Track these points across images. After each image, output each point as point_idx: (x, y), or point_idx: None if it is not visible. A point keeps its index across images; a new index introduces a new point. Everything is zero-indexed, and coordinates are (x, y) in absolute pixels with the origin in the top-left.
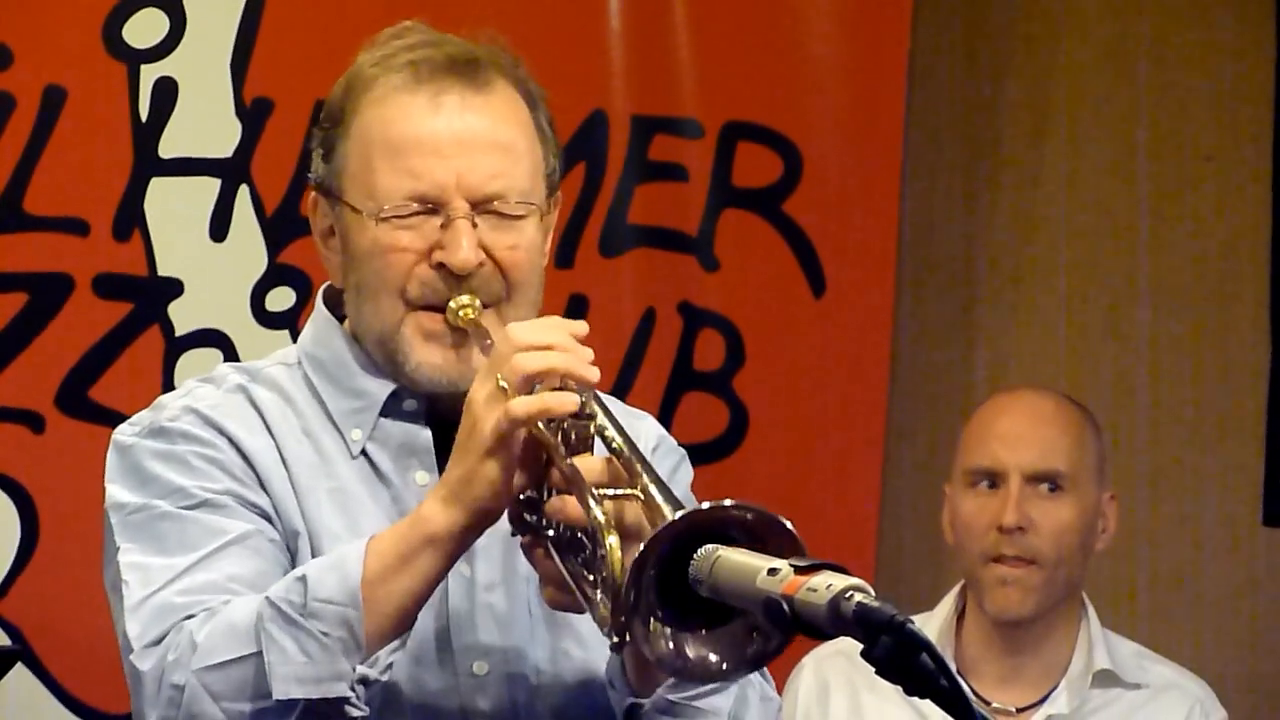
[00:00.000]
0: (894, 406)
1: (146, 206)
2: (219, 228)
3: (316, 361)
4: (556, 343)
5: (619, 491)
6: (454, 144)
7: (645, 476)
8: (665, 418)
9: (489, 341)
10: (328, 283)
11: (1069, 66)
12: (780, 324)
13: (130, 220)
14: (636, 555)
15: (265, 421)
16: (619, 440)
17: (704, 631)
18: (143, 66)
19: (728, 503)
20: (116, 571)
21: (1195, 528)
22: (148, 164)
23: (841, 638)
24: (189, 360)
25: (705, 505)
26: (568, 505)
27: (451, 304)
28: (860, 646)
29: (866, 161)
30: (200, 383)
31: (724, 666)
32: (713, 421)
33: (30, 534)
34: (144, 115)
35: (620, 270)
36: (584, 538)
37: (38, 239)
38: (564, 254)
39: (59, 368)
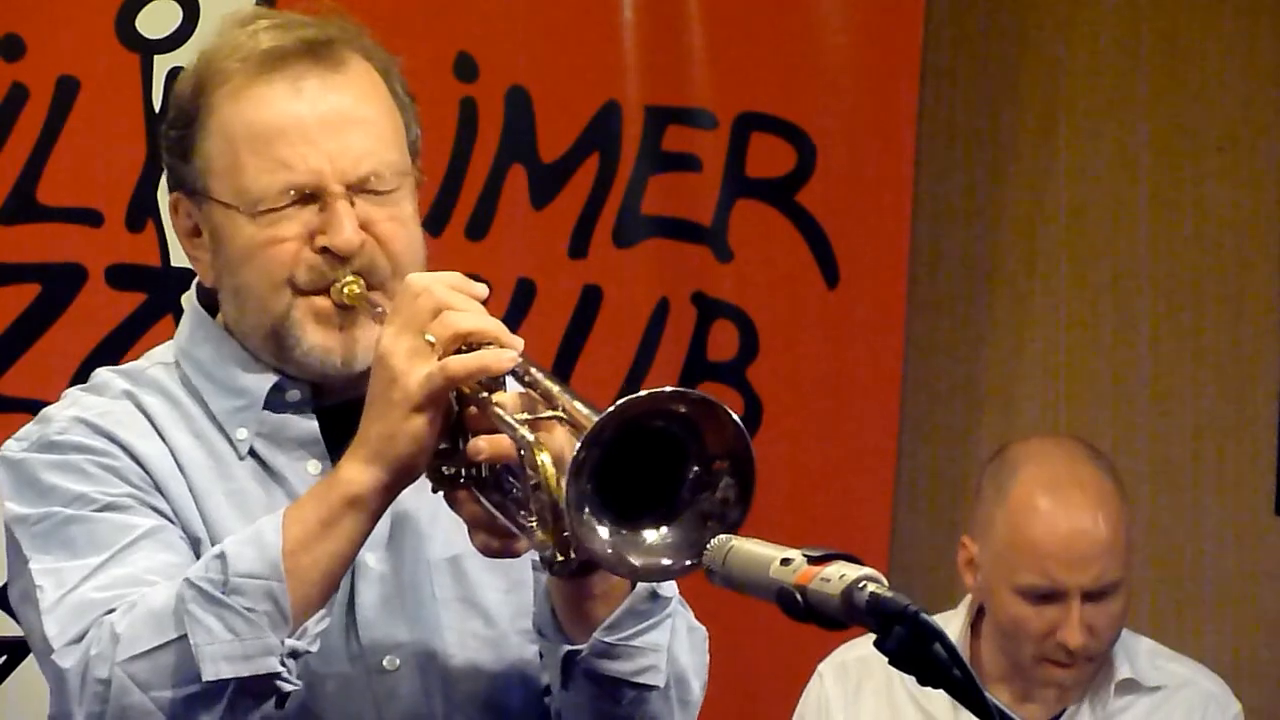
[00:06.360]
0: (907, 396)
1: (160, 197)
2: None
3: (194, 361)
4: (471, 306)
5: (541, 415)
6: (321, 128)
7: (564, 396)
8: None
9: (380, 310)
10: (197, 279)
11: (1081, 58)
12: (794, 314)
13: (143, 211)
14: (572, 461)
15: (155, 427)
16: (532, 372)
17: (655, 528)
18: (156, 57)
19: (646, 392)
20: (28, 581)
21: (1207, 518)
22: (161, 154)
23: (861, 645)
24: None
25: (631, 396)
26: (490, 441)
27: (335, 284)
28: (878, 654)
29: (879, 152)
30: (84, 392)
31: (685, 562)
32: None
33: None
34: (157, 105)
35: (634, 261)
36: (508, 475)
37: (50, 229)
38: (578, 244)
39: (72, 358)
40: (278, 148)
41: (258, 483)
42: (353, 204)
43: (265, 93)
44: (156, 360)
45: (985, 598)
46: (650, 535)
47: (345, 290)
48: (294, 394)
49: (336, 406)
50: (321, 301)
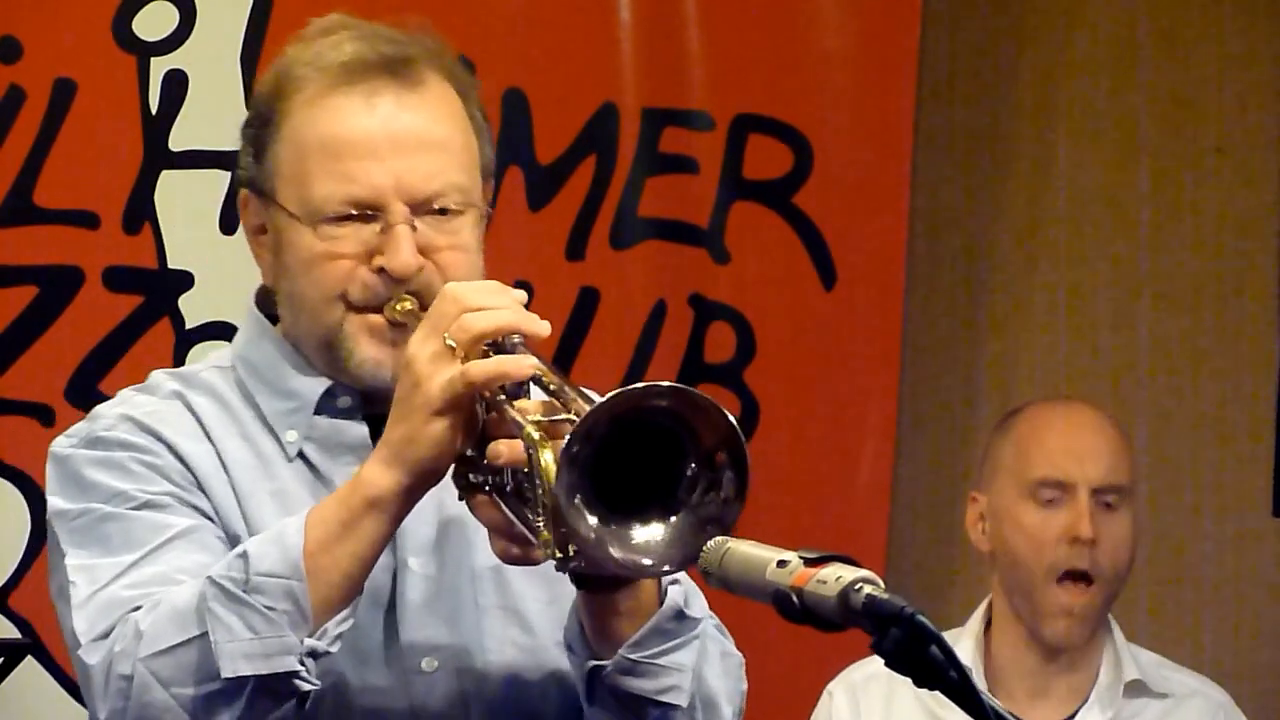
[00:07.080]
0: (904, 398)
1: (157, 199)
2: (229, 220)
3: (249, 364)
4: (501, 303)
5: (555, 417)
6: (390, 146)
7: (580, 401)
8: None
9: None
10: (260, 283)
11: (1078, 58)
12: (791, 316)
13: (140, 213)
14: (562, 451)
15: (204, 427)
16: (555, 380)
17: (646, 525)
18: (153, 59)
19: (638, 386)
20: (63, 575)
21: (1204, 520)
22: (158, 157)
23: (870, 663)
24: (199, 353)
25: (619, 390)
26: (509, 446)
27: (389, 302)
28: (888, 671)
29: (876, 154)
30: (136, 391)
31: (665, 566)
32: None
33: (40, 527)
34: (154, 108)
35: (631, 263)
36: (527, 483)
37: (48, 232)
38: (575, 246)
39: (69, 360)
40: (344, 160)
41: (304, 485)
42: (414, 227)
43: (339, 104)
44: (212, 364)
45: (997, 542)
46: (640, 532)
47: (398, 307)
48: (345, 400)
49: (387, 414)
50: (374, 318)
